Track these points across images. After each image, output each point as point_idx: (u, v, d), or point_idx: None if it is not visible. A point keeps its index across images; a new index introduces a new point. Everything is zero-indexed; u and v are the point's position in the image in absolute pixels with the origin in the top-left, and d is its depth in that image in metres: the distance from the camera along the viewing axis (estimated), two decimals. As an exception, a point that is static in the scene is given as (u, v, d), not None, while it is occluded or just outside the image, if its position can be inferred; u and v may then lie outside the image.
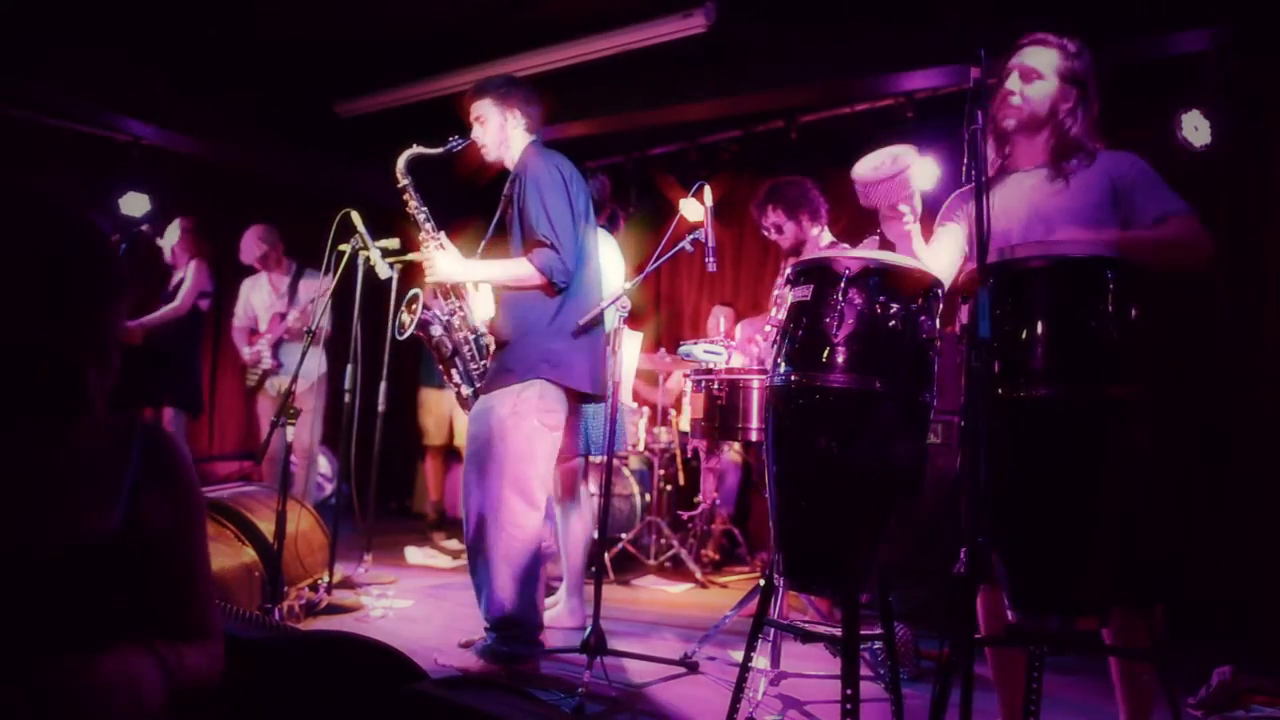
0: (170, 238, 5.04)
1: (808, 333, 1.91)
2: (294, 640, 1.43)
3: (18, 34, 4.67)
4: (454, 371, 2.97)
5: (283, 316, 4.95)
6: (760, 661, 2.67)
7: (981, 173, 1.66)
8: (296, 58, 5.24)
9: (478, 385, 2.91)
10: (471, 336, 2.94)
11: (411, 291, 2.99)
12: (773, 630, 2.68)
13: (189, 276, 4.93)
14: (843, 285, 1.88)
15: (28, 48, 4.76)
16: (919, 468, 1.92)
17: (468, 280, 2.92)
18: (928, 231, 2.20)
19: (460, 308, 2.95)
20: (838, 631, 1.88)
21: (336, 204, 3.55)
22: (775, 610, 2.73)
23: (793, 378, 1.90)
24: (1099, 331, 1.70)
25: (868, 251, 2.07)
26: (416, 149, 2.92)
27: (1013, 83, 2.08)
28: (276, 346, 4.98)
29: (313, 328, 3.44)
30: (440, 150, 2.91)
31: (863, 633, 1.89)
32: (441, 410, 5.42)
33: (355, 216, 3.47)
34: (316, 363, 4.80)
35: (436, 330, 2.93)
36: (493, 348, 2.88)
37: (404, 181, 2.91)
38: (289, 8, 4.66)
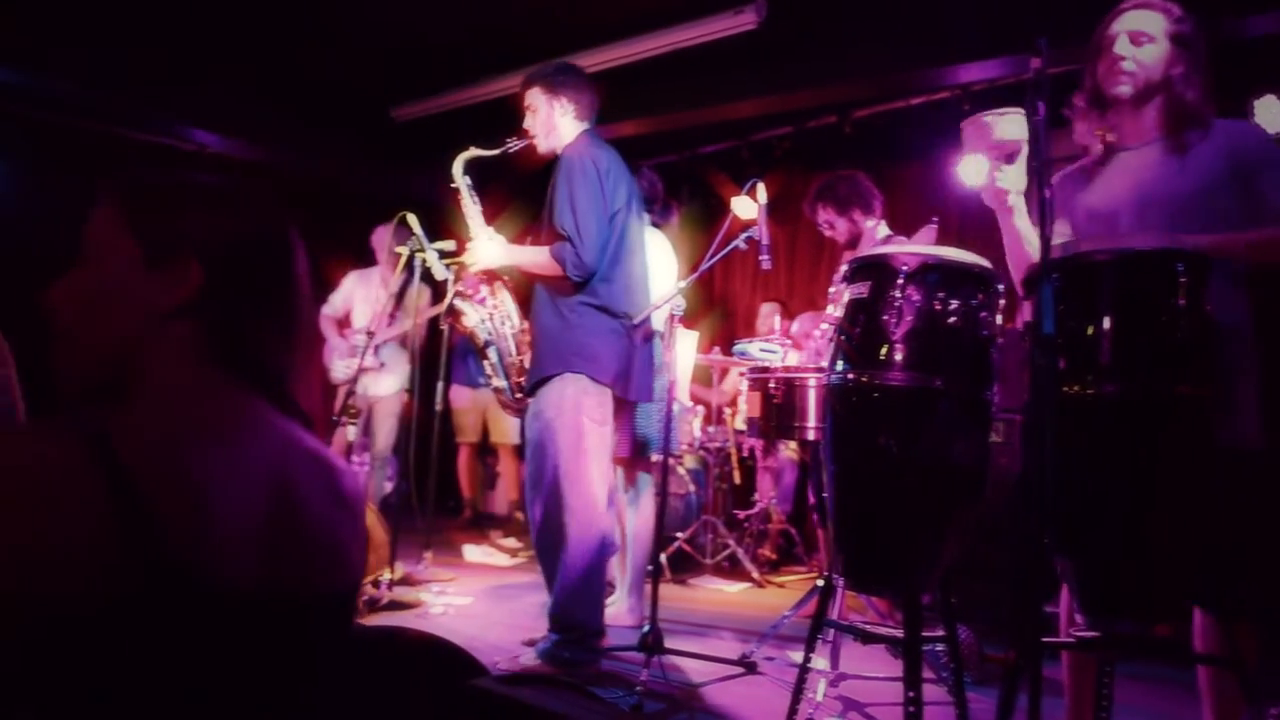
0: None
1: (865, 330, 1.89)
2: (358, 635, 1.46)
3: (91, 48, 4.85)
4: (487, 363, 3.01)
5: (392, 318, 4.97)
6: (819, 662, 2.64)
7: (1044, 164, 1.62)
8: (354, 65, 5.36)
9: (512, 379, 2.94)
10: (508, 329, 2.97)
11: (442, 275, 3.03)
12: (832, 631, 2.65)
13: None
14: (901, 282, 1.85)
15: (100, 61, 4.93)
16: (981, 467, 1.88)
17: (505, 265, 2.94)
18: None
19: (500, 301, 2.98)
20: (899, 633, 1.86)
21: (392, 207, 3.62)
22: (834, 611, 2.70)
23: (850, 376, 1.88)
24: (1168, 327, 1.65)
25: (927, 247, 2.04)
26: (473, 151, 2.96)
27: (1122, 47, 1.94)
28: (379, 348, 5.00)
29: (405, 331, 3.50)
30: (496, 151, 2.95)
31: (925, 634, 1.86)
32: (475, 409, 5.48)
33: (412, 219, 3.53)
34: (404, 369, 4.85)
35: (472, 319, 2.96)
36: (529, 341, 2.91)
37: (461, 183, 2.95)
38: (347, 17, 4.76)
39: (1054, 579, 1.76)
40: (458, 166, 2.95)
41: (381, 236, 5.08)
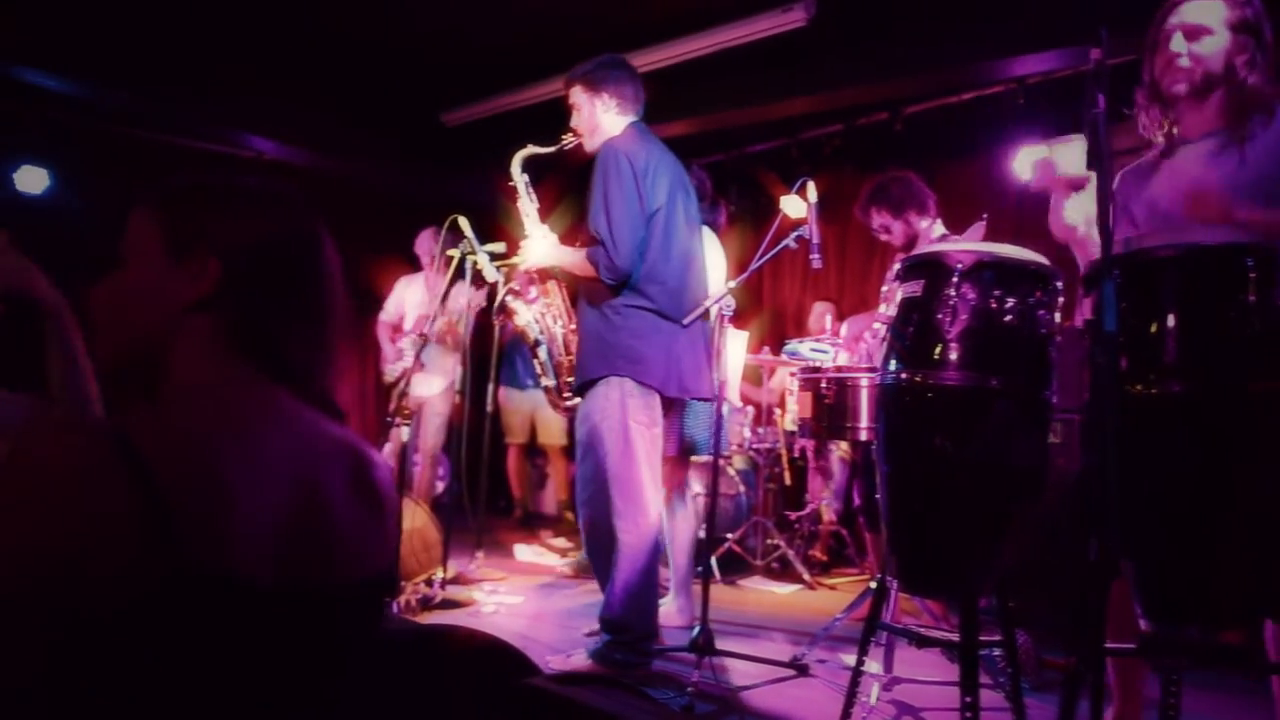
0: None
1: (919, 329, 1.86)
2: (413, 633, 1.48)
3: (150, 59, 5.00)
4: (537, 361, 3.03)
5: (430, 320, 5.08)
6: (873, 666, 2.61)
7: (1105, 159, 1.57)
8: (405, 72, 5.44)
9: (562, 377, 2.95)
10: (559, 328, 2.99)
11: (493, 277, 3.06)
12: (885, 634, 2.62)
13: None
14: (955, 280, 1.82)
15: (159, 73, 5.08)
16: (1040, 468, 1.85)
17: (553, 264, 2.95)
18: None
19: (552, 300, 3.00)
20: (954, 637, 1.82)
21: (443, 210, 3.67)
22: (887, 613, 2.66)
23: (904, 376, 1.85)
24: (1239, 323, 1.59)
25: (982, 244, 2.00)
26: (530, 148, 2.99)
27: (1177, 44, 1.89)
28: (421, 348, 5.10)
29: (426, 331, 3.56)
30: (553, 149, 2.97)
31: (981, 638, 1.83)
32: (524, 409, 5.52)
33: (463, 222, 3.57)
34: (450, 368, 4.93)
35: (523, 317, 2.99)
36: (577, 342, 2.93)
37: (519, 180, 2.97)
38: (398, 25, 4.84)
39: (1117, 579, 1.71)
40: (516, 164, 2.98)
41: (424, 242, 5.18)
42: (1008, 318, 1.80)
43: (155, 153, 5.61)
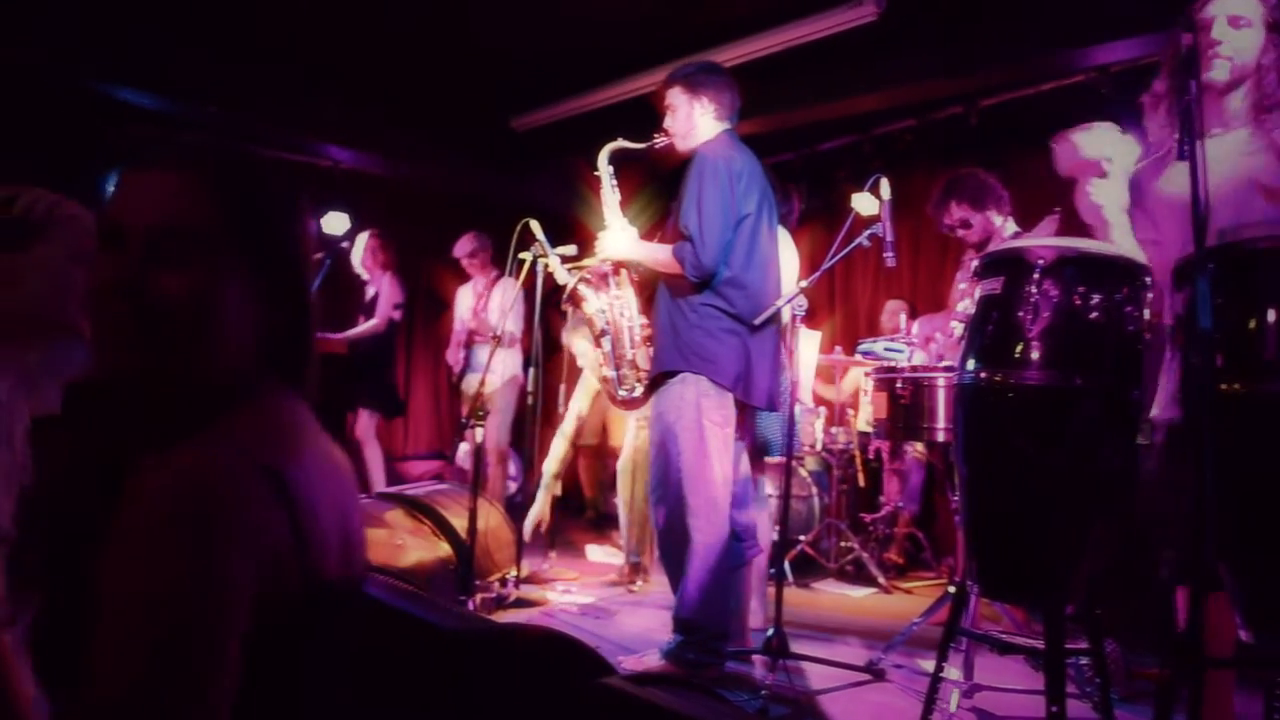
0: (358, 250, 5.44)
1: (998, 328, 1.81)
2: (489, 631, 1.51)
3: (234, 73, 5.19)
4: (600, 352, 3.04)
5: (476, 315, 5.21)
6: (952, 672, 2.55)
7: (1197, 147, 1.51)
8: (476, 80, 5.53)
9: (622, 370, 2.97)
10: (625, 322, 3.00)
11: (565, 279, 3.08)
12: (965, 640, 2.55)
13: (383, 290, 5.29)
14: (1036, 276, 1.77)
15: (243, 85, 5.27)
16: (1128, 470, 1.78)
17: (631, 258, 2.97)
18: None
19: (622, 293, 3.01)
20: (1039, 644, 1.77)
21: (514, 214, 3.72)
22: (967, 619, 2.60)
23: (983, 375, 1.81)
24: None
25: (1066, 240, 1.94)
26: (621, 142, 3.01)
27: (1219, 31, 1.84)
28: (469, 348, 5.24)
29: (497, 332, 3.62)
30: (643, 145, 2.99)
31: (1067, 646, 1.77)
32: (595, 411, 5.55)
33: (535, 225, 3.62)
34: (509, 365, 5.02)
35: (592, 306, 3.01)
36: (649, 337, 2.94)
37: (604, 172, 3.00)
38: (469, 33, 4.92)
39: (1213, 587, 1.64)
40: (603, 156, 3.01)
41: (462, 245, 5.27)
42: (1093, 315, 1.74)
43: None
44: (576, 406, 4.61)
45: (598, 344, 3.04)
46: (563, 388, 4.39)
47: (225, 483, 0.76)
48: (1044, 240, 2.00)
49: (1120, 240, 1.94)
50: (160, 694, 0.71)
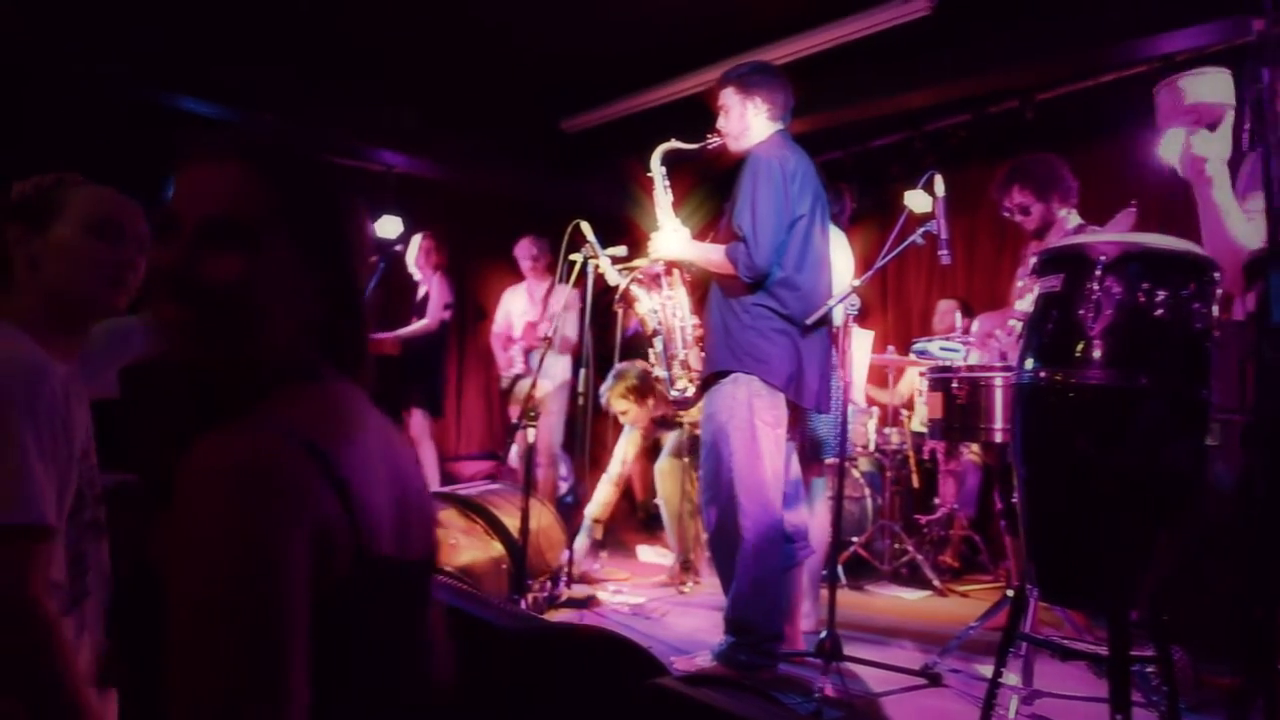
0: (411, 251, 5.51)
1: (1059, 326, 1.77)
2: (546, 631, 1.52)
3: (291, 82, 5.31)
4: (651, 352, 3.04)
5: (534, 325, 5.24)
6: (1010, 678, 2.50)
7: (1270, 138, 1.46)
8: (525, 84, 5.58)
9: (673, 371, 2.96)
10: (677, 322, 3.00)
11: (616, 280, 3.09)
12: (1025, 645, 2.50)
13: (434, 292, 5.37)
14: (1099, 273, 1.72)
15: (299, 93, 5.39)
16: (1196, 472, 1.73)
17: (684, 259, 2.96)
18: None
19: (675, 294, 3.01)
20: (1102, 650, 1.73)
21: (564, 215, 3.74)
22: (1026, 623, 2.54)
23: (1042, 374, 1.77)
24: None
25: (1127, 234, 1.89)
26: (674, 143, 3.01)
27: None
28: (528, 353, 5.27)
29: (549, 334, 3.64)
30: (695, 146, 2.98)
31: (1132, 653, 1.72)
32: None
33: (585, 227, 3.63)
34: (561, 368, 5.05)
35: (644, 305, 3.01)
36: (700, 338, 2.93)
37: (657, 172, 3.00)
38: (518, 36, 4.97)
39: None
40: (656, 156, 3.01)
41: (523, 248, 5.31)
42: (1157, 312, 1.69)
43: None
44: (621, 453, 4.58)
45: (650, 343, 3.04)
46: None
47: (270, 462, 0.76)
48: (1105, 235, 1.96)
49: (1221, 200, 1.84)
50: (236, 696, 0.71)
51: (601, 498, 4.50)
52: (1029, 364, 1.81)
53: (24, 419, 1.23)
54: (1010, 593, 2.45)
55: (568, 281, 3.71)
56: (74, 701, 1.22)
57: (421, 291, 5.49)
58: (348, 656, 0.83)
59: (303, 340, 0.91)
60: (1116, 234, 2.28)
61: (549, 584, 3.63)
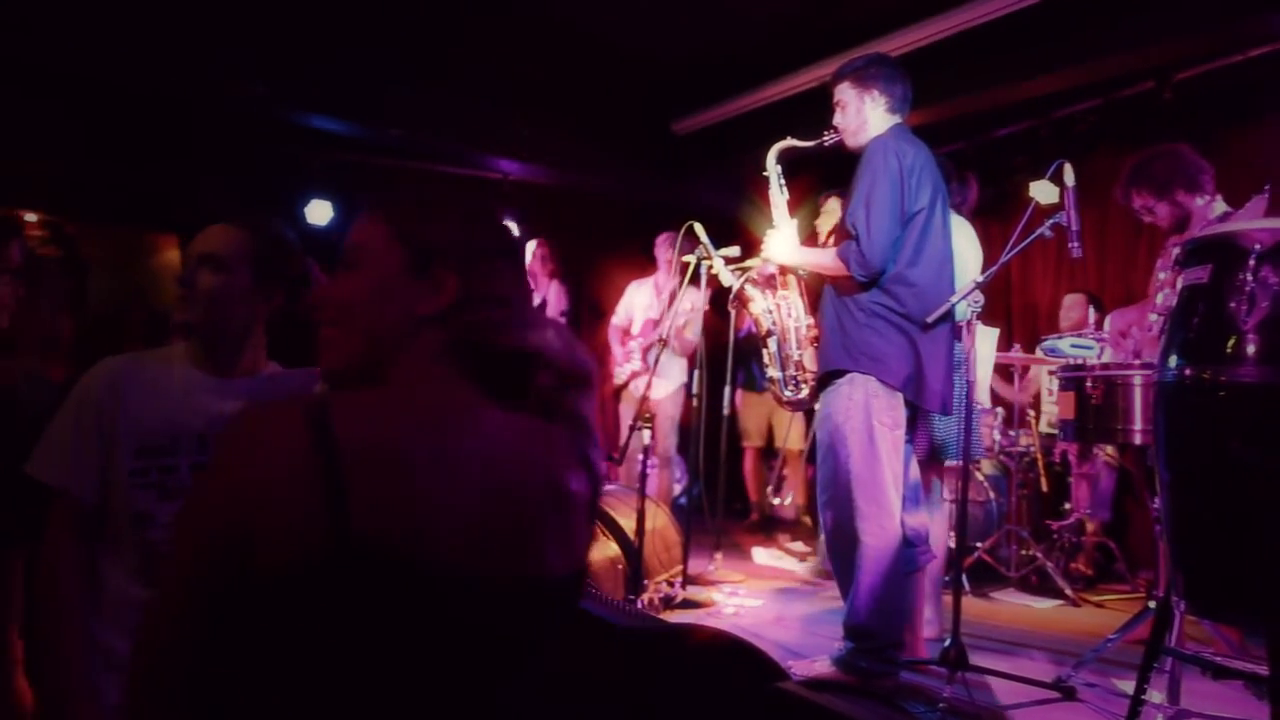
0: (527, 258, 5.63)
1: (1206, 320, 1.67)
2: (665, 631, 1.53)
3: (412, 97, 5.53)
4: (766, 352, 3.01)
5: (655, 323, 5.24)
6: (1154, 695, 2.36)
7: None
8: (635, 88, 5.64)
9: (788, 372, 2.92)
10: (791, 323, 2.96)
11: (729, 281, 3.07)
12: (1171, 660, 2.35)
13: (551, 298, 5.46)
14: (1252, 263, 1.61)
15: (420, 108, 5.61)
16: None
17: (793, 263, 2.92)
18: None
19: (789, 294, 2.98)
20: (1262, 669, 1.61)
21: (677, 217, 3.75)
22: (1171, 637, 2.39)
23: (1188, 372, 1.67)
24: None
25: (1283, 221, 1.76)
26: (789, 141, 2.97)
27: None
28: (646, 350, 5.27)
29: (665, 335, 3.66)
30: (812, 143, 2.94)
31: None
32: (760, 412, 5.49)
33: (699, 228, 3.63)
34: (678, 369, 5.06)
35: (758, 306, 2.99)
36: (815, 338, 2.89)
37: (772, 172, 2.98)
38: (626, 40, 5.02)
39: None
40: (771, 155, 2.98)
41: (662, 245, 5.31)
42: (1321, 304, 1.56)
43: (419, 180, 6.19)
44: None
45: (764, 344, 3.02)
46: (727, 390, 4.38)
47: (249, 427, 0.87)
48: (1262, 223, 1.82)
49: None
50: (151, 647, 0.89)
51: None
52: (1172, 361, 1.71)
53: None
54: (1153, 604, 2.31)
55: (681, 281, 3.72)
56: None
57: (538, 299, 5.59)
58: (318, 639, 0.85)
59: (430, 359, 0.97)
60: (1272, 221, 2.12)
61: (665, 585, 3.65)
